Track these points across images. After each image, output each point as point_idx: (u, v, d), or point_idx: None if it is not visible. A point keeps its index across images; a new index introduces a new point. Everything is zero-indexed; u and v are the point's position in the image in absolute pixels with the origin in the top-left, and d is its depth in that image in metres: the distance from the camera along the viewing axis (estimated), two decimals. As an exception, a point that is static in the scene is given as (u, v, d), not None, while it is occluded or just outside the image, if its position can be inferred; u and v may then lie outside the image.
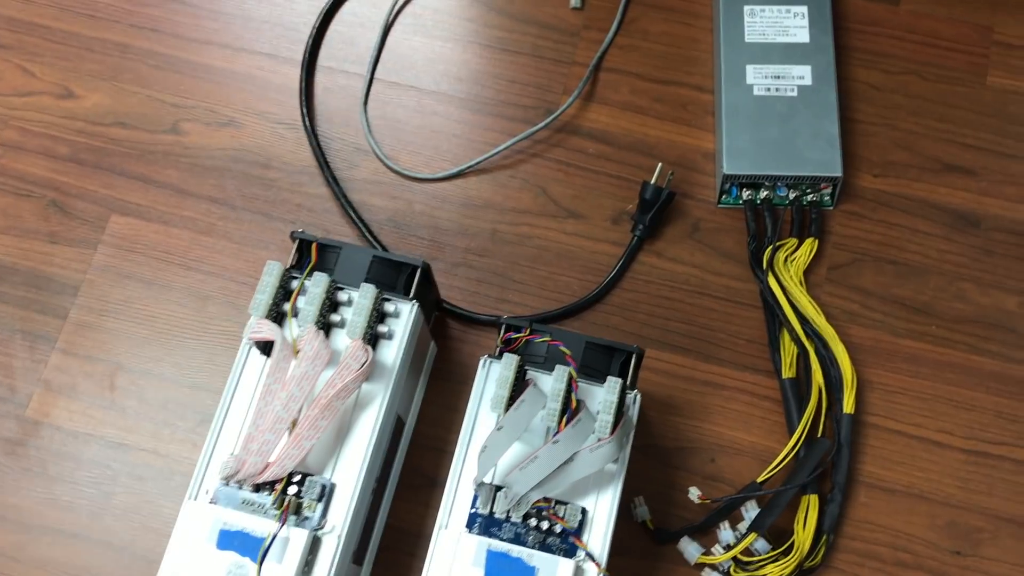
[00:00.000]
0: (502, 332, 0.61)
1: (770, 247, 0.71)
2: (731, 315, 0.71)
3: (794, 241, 0.72)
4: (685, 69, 0.79)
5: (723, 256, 0.73)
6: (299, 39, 0.81)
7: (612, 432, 0.55)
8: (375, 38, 0.81)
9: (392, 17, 0.81)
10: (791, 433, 0.67)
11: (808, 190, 0.73)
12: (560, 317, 0.71)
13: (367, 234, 0.73)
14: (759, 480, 0.65)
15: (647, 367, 0.70)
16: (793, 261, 0.71)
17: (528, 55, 0.80)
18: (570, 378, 0.56)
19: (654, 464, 0.67)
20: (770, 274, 0.70)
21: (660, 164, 0.72)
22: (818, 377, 0.68)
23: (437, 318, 0.72)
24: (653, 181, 0.72)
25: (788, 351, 0.69)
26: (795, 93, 0.73)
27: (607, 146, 0.77)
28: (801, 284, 0.71)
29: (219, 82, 0.80)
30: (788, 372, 0.68)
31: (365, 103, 0.78)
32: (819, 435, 0.66)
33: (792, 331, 0.69)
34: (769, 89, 0.74)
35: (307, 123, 0.77)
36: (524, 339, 0.59)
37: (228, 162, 0.77)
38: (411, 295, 0.62)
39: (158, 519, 0.67)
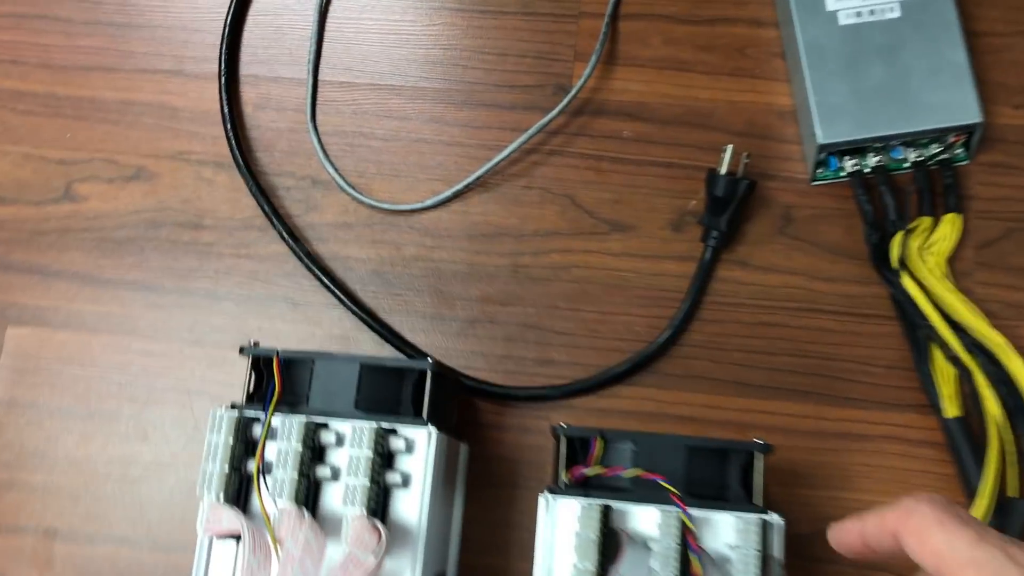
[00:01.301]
0: (561, 447, 0.43)
1: (899, 234, 0.52)
2: (857, 335, 0.52)
3: (927, 221, 0.52)
4: (734, -1, 0.58)
5: (831, 253, 0.54)
6: (209, 44, 0.60)
7: (760, 599, 0.37)
8: (310, 25, 0.60)
9: (328, -8, 0.60)
10: (968, 491, 0.48)
11: (936, 147, 0.53)
12: (626, 375, 0.52)
13: (346, 303, 0.54)
14: (940, 568, 0.47)
15: (756, 425, 0.51)
16: (931, 248, 0.52)
17: (518, 15, 0.59)
18: (683, 528, 0.38)
19: (787, 560, 0.49)
20: (903, 272, 0.51)
21: (729, 146, 0.52)
22: (991, 407, 0.49)
23: (461, 401, 0.53)
24: (723, 169, 0.52)
25: (945, 376, 0.50)
26: (897, 13, 0.53)
27: (647, 124, 0.56)
28: (947, 278, 0.52)
29: (115, 120, 0.59)
30: (952, 409, 0.49)
31: (313, 117, 0.58)
32: (1018, 492, 0.48)
33: (945, 347, 0.50)
34: (860, 14, 0.53)
35: (239, 158, 0.57)
36: (600, 472, 0.40)
37: (146, 229, 0.57)
38: (424, 415, 0.43)
39: None
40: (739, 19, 0.58)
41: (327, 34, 0.60)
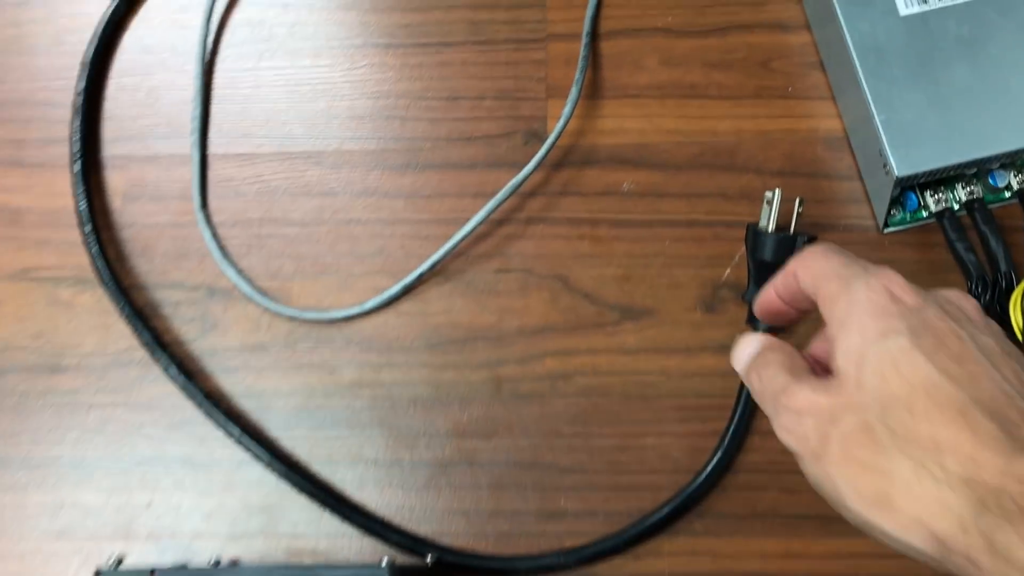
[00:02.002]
0: None
1: (1020, 288, 0.38)
2: (978, 434, 0.38)
3: (1053, 268, 0.39)
4: (747, -1, 0.44)
5: (924, 323, 0.39)
6: (58, 119, 0.45)
7: None
8: (192, 82, 0.45)
9: (212, 38, 0.46)
10: None
11: (1046, 166, 0.39)
12: (667, 522, 0.37)
13: (265, 459, 0.39)
14: None
15: (856, 574, 0.36)
16: (1063, 305, 0.38)
17: (467, 44, 0.45)
18: None
19: None
20: (1032, 342, 0.37)
21: (777, 190, 0.38)
22: None
23: (440, 579, 0.37)
24: (769, 224, 0.38)
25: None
26: (976, -8, 0.40)
27: (654, 171, 0.42)
28: (1090, 344, 0.38)
29: (-65, 233, 0.44)
30: None
31: (203, 204, 0.43)
32: None
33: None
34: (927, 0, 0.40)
35: (106, 270, 0.42)
36: None
37: (-16, 379, 0.41)
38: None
39: None
40: (757, 24, 0.44)
41: (216, 92, 0.45)
